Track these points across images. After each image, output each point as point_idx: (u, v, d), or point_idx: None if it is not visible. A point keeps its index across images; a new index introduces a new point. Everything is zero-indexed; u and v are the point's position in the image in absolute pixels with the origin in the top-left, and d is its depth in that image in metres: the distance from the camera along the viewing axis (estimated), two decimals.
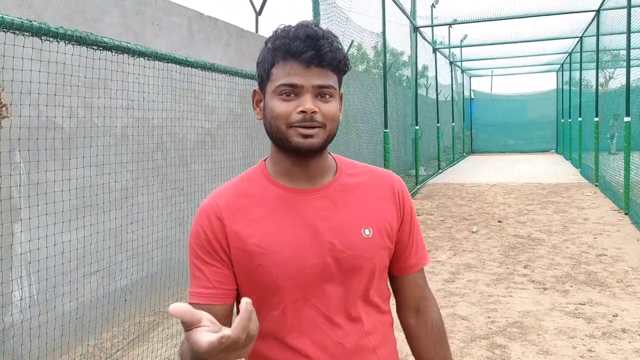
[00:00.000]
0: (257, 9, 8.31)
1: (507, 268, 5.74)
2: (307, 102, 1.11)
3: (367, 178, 1.28)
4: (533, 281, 5.26)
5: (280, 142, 1.16)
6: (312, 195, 1.20)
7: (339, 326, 1.18)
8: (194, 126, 5.16)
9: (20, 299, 3.18)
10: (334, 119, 1.16)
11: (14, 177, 3.19)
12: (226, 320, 1.19)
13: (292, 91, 1.12)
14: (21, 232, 3.16)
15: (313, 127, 1.12)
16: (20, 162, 3.28)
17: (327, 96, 1.15)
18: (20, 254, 3.15)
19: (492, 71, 26.27)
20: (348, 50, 9.54)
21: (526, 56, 18.14)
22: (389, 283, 1.34)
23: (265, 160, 1.27)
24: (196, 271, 1.19)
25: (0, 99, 1.98)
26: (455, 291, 5.02)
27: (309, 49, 1.11)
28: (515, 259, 6.11)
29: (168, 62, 3.37)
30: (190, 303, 1.17)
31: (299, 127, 1.12)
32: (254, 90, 1.24)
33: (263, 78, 1.19)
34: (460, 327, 4.16)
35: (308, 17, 6.45)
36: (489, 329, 4.12)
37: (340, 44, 1.17)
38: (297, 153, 1.16)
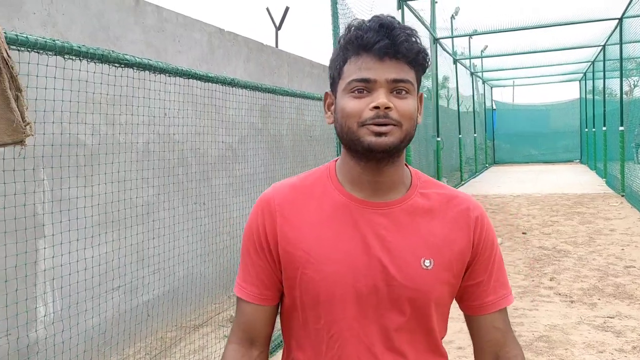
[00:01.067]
0: (277, 23, 8.38)
1: (533, 281, 5.63)
2: (381, 97, 1.00)
3: (440, 201, 1.14)
4: (559, 294, 5.15)
5: (351, 143, 1.05)
6: (375, 210, 1.08)
7: (377, 358, 1.07)
8: (215, 141, 5.20)
9: (45, 315, 3.21)
10: (412, 117, 1.04)
11: (39, 193, 3.24)
12: (267, 321, 1.14)
13: (365, 87, 1.02)
14: (45, 248, 3.19)
15: (387, 125, 1.01)
16: (44, 179, 3.33)
17: (403, 92, 1.03)
18: (45, 270, 3.19)
19: (514, 81, 26.01)
20: None
21: (548, 66, 17.95)
22: (466, 325, 1.20)
23: (336, 161, 1.17)
24: (242, 263, 1.15)
25: (24, 117, 2.01)
26: None
27: (383, 38, 1.00)
28: (541, 271, 5.99)
29: (189, 78, 3.40)
30: (237, 295, 1.15)
31: (372, 124, 1.01)
32: (326, 93, 1.15)
33: (334, 78, 1.09)
34: None
35: (327, 31, 6.47)
36: None
37: (418, 38, 1.05)
38: (370, 155, 1.04)
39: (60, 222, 3.25)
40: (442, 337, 1.16)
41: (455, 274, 1.11)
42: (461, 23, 14.45)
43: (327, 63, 8.07)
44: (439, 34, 13.21)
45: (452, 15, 14.23)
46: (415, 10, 9.94)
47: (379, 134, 1.01)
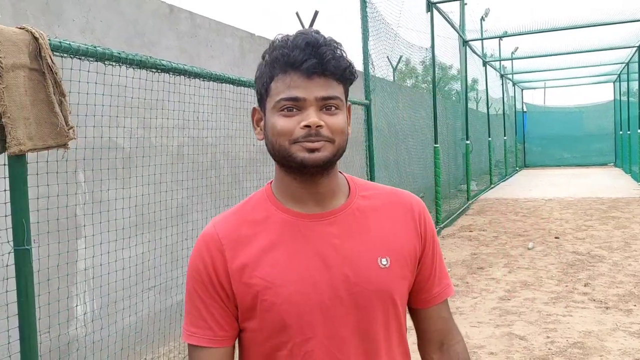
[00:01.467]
0: (307, 27, 8.44)
1: (566, 286, 5.54)
2: (311, 116, 1.00)
3: (383, 201, 1.15)
4: (594, 300, 5.05)
5: (284, 160, 1.04)
6: (322, 221, 1.08)
7: None
8: (246, 144, 5.26)
9: (84, 314, 3.30)
10: (342, 132, 1.04)
11: (78, 195, 3.34)
12: None
13: (294, 105, 1.01)
14: (85, 248, 3.29)
15: (319, 141, 1.01)
16: (83, 181, 3.43)
17: (333, 108, 1.03)
18: (85, 270, 3.28)
19: (545, 83, 25.60)
20: (396, 66, 9.54)
21: (581, 67, 17.62)
22: (411, 318, 1.22)
23: (271, 183, 1.15)
24: (192, 308, 1.08)
25: (68, 121, 2.08)
26: (512, 310, 4.88)
27: (310, 57, 1.00)
28: (575, 276, 5.89)
29: (222, 82, 3.46)
30: (187, 343, 1.09)
31: (304, 141, 1.01)
32: (254, 109, 1.13)
33: (262, 94, 1.08)
34: (518, 347, 4.03)
35: (356, 35, 6.51)
36: (549, 349, 3.98)
37: (344, 51, 1.05)
38: (303, 170, 1.04)
39: (100, 222, 3.34)
40: (405, 334, 1.17)
41: (411, 268, 1.13)
42: (491, 25, 14.31)
43: (356, 66, 8.07)
44: (468, 36, 13.11)
45: (482, 16, 14.10)
46: (444, 12, 9.89)
47: (312, 150, 1.01)
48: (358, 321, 1.06)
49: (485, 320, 4.63)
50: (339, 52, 1.04)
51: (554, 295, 5.26)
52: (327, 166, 1.05)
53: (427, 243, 1.16)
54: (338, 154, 1.05)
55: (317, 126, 1.01)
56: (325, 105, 1.02)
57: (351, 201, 1.12)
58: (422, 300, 1.18)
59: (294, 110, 1.02)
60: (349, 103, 1.11)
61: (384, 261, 1.08)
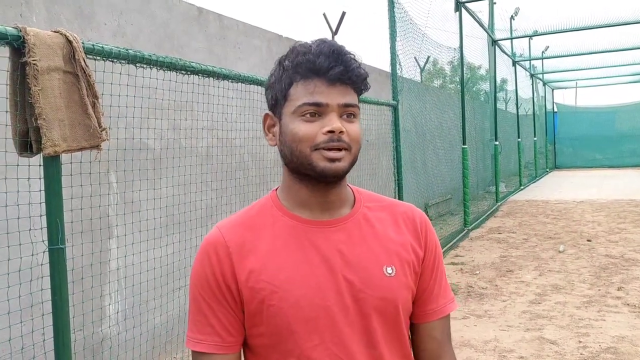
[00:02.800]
0: (334, 28, 8.42)
1: (599, 290, 5.42)
2: (334, 122, 1.01)
3: (387, 211, 1.16)
4: (628, 304, 4.93)
5: (302, 167, 1.04)
6: (330, 228, 1.08)
7: None
8: None
9: (116, 312, 3.36)
10: (359, 141, 1.06)
11: (110, 196, 3.40)
12: None
13: (317, 111, 1.02)
14: (117, 248, 3.34)
15: (340, 150, 1.02)
16: (115, 182, 3.49)
17: (352, 116, 1.05)
18: (118, 269, 3.34)
19: (577, 83, 25.09)
20: (424, 66, 9.46)
21: (614, 66, 17.21)
22: None
23: (276, 190, 1.15)
24: (198, 315, 1.07)
25: (101, 123, 2.12)
26: (543, 313, 4.79)
27: (336, 64, 1.02)
28: (608, 280, 5.75)
29: (250, 84, 3.48)
30: (192, 351, 1.08)
31: (325, 149, 1.01)
32: (265, 114, 1.13)
33: (278, 100, 1.07)
34: (549, 352, 3.95)
35: (384, 36, 6.48)
36: (581, 354, 3.89)
37: (360, 63, 1.07)
38: (322, 180, 1.04)
39: (132, 222, 3.40)
40: (409, 347, 1.16)
41: (414, 279, 1.12)
42: (521, 23, 14.09)
43: (384, 67, 7.98)
44: (497, 36, 12.93)
45: (512, 15, 13.88)
46: (473, 12, 9.77)
47: (333, 160, 1.02)
48: (363, 328, 1.06)
49: (515, 324, 4.55)
50: (359, 63, 1.06)
51: (586, 299, 5.15)
52: (344, 176, 1.07)
53: (428, 254, 1.16)
54: (353, 163, 1.07)
55: (340, 132, 1.02)
56: (346, 112, 1.04)
57: (357, 210, 1.13)
58: (416, 314, 1.16)
59: (316, 115, 1.02)
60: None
61: (389, 270, 1.08)
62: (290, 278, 1.03)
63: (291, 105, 1.04)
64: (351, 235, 1.09)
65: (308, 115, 1.02)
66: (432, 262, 1.16)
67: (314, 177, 1.04)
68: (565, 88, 26.01)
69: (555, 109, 24.61)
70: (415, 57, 7.88)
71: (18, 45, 1.88)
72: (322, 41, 1.04)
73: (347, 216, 1.11)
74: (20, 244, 2.46)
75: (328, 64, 1.01)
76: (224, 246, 1.06)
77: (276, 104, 1.09)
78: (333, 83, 1.02)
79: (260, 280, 1.03)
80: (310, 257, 1.05)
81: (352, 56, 1.05)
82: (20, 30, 1.87)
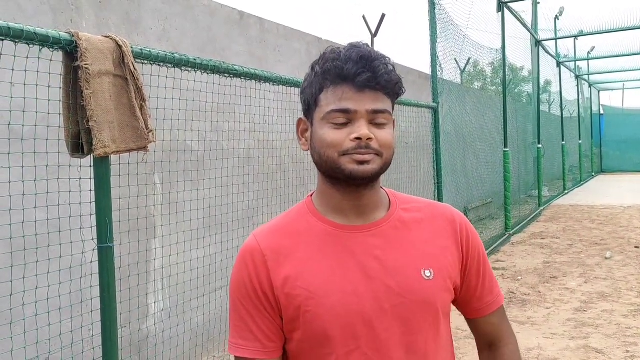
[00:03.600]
0: (373, 30, 8.40)
1: None
2: (362, 128, 1.01)
3: (424, 213, 1.15)
4: None
5: (331, 172, 1.05)
6: (365, 233, 1.08)
7: None
8: None
9: (161, 310, 3.43)
10: (391, 147, 1.05)
11: (154, 196, 3.48)
12: None
13: (345, 117, 1.02)
14: (162, 247, 3.42)
15: (369, 153, 1.02)
16: (159, 183, 3.57)
17: (383, 122, 1.04)
18: (162, 268, 3.41)
19: (624, 84, 24.29)
20: (465, 68, 9.34)
21: None
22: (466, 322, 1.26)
23: (311, 195, 1.16)
24: (238, 321, 1.08)
25: (148, 125, 2.17)
26: (588, 322, 4.65)
27: (364, 70, 1.01)
28: None
29: (290, 86, 3.51)
30: (234, 356, 1.09)
31: (354, 154, 1.01)
32: (299, 119, 1.14)
33: (310, 105, 1.08)
34: None
35: (424, 37, 6.42)
36: None
37: (393, 66, 1.06)
38: (351, 182, 1.04)
39: (176, 223, 3.47)
40: (452, 349, 1.17)
41: (453, 280, 1.12)
42: (565, 23, 13.73)
43: (424, 69, 7.91)
44: (541, 36, 12.65)
45: (556, 15, 13.56)
46: (516, 12, 9.58)
47: (361, 162, 1.02)
48: (402, 333, 1.05)
49: (560, 332, 4.44)
50: (390, 66, 1.05)
51: (634, 307, 4.97)
52: (374, 179, 1.06)
53: (471, 254, 1.16)
54: (385, 167, 1.06)
55: (368, 139, 1.01)
56: (376, 118, 1.03)
57: (392, 213, 1.12)
58: (474, 310, 1.20)
59: (345, 121, 1.03)
60: (393, 117, 1.12)
61: (427, 273, 1.07)
62: (325, 284, 1.04)
63: (321, 112, 1.05)
64: (387, 239, 1.08)
65: (337, 122, 1.03)
66: (477, 259, 1.17)
67: (344, 181, 1.05)
68: (612, 89, 25.21)
69: (602, 111, 23.88)
70: (455, 59, 7.79)
71: (71, 50, 1.94)
72: (353, 46, 1.04)
73: (382, 220, 1.10)
74: (71, 242, 2.54)
75: (356, 70, 1.01)
76: (260, 253, 1.07)
77: (308, 109, 1.10)
78: (362, 89, 1.02)
79: (297, 287, 1.04)
80: (345, 262, 1.05)
81: (383, 61, 1.04)
82: (73, 36, 1.94)
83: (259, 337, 1.07)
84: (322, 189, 1.12)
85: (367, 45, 1.05)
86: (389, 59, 1.06)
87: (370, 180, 1.05)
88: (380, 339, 1.04)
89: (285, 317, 1.06)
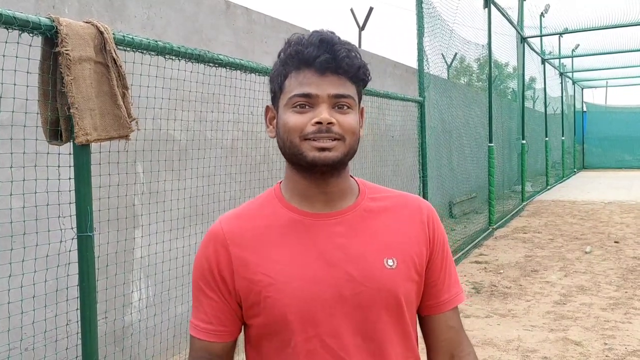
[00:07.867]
0: (361, 24, 8.39)
1: (626, 292, 5.31)
2: (323, 112, 1.00)
3: (392, 202, 1.14)
4: None
5: (294, 157, 1.04)
6: (329, 220, 1.08)
7: None
8: None
9: (139, 300, 3.41)
10: (354, 132, 1.04)
11: (136, 185, 3.45)
12: (226, 358, 1.12)
13: (307, 102, 1.02)
14: (143, 237, 3.39)
15: (331, 140, 1.01)
16: (141, 172, 3.53)
17: (345, 107, 1.03)
18: (141, 257, 3.39)
19: (607, 82, 24.57)
20: (451, 63, 9.37)
21: None
22: (418, 326, 1.19)
23: (280, 183, 1.15)
24: (196, 302, 1.11)
25: (130, 113, 2.15)
26: (567, 314, 4.72)
27: (324, 53, 1.01)
28: (635, 282, 5.64)
29: None
30: (190, 335, 1.12)
31: (314, 139, 1.01)
32: (267, 107, 1.14)
33: (276, 92, 1.09)
34: (574, 353, 3.90)
35: (411, 31, 6.42)
36: (606, 356, 3.83)
37: (358, 54, 1.05)
38: (314, 169, 1.04)
39: (157, 213, 3.44)
40: (416, 341, 1.15)
41: (419, 271, 1.11)
42: (551, 21, 13.83)
43: (410, 63, 7.94)
44: (526, 33, 12.73)
45: (542, 12, 13.65)
46: (503, 8, 9.63)
47: (322, 149, 1.01)
48: (362, 321, 1.05)
49: (539, 324, 4.49)
50: (353, 52, 1.04)
51: (612, 301, 5.05)
52: (337, 166, 1.04)
53: (436, 247, 1.14)
54: (349, 154, 1.05)
55: (328, 123, 1.01)
56: (338, 103, 1.03)
57: (359, 202, 1.11)
58: (430, 306, 1.16)
59: (306, 106, 1.02)
60: (362, 106, 1.11)
61: (390, 262, 1.07)
62: (286, 270, 1.04)
63: (284, 97, 1.05)
64: (352, 228, 1.08)
65: (298, 107, 1.02)
66: (441, 253, 1.16)
67: (307, 168, 1.04)
68: (595, 87, 25.50)
69: (585, 109, 24.15)
70: (442, 54, 7.81)
71: (51, 35, 1.91)
72: (315, 32, 1.04)
73: (349, 208, 1.10)
74: (48, 231, 2.51)
75: (316, 53, 1.01)
76: (222, 238, 1.08)
77: (275, 96, 1.10)
78: (323, 73, 1.01)
79: (258, 272, 1.04)
80: (308, 249, 1.05)
81: (345, 46, 1.03)
82: (54, 21, 1.91)
83: (211, 320, 1.08)
84: (289, 176, 1.11)
85: (333, 32, 1.05)
86: (354, 46, 1.05)
87: (333, 168, 1.04)
88: (339, 326, 1.04)
89: (245, 302, 1.06)
